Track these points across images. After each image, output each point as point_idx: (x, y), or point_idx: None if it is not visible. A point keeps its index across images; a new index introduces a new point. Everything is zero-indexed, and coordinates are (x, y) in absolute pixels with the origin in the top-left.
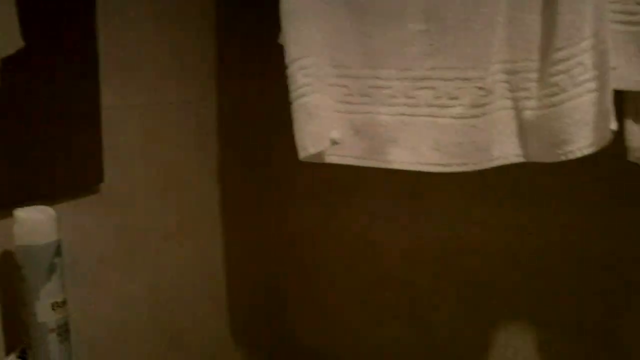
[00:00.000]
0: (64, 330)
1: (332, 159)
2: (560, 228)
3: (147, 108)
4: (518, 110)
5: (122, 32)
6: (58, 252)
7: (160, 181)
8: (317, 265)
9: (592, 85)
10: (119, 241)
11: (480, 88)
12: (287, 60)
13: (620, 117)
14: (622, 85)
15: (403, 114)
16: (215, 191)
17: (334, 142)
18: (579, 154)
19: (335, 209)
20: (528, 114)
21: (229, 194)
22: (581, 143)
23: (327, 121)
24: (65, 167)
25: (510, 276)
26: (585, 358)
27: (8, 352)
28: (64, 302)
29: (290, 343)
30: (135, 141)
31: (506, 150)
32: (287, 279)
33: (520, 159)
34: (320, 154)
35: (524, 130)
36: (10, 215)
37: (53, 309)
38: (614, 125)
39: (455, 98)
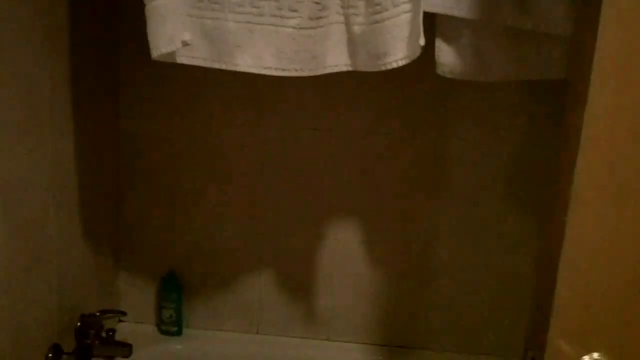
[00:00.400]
0: None
1: (183, 59)
2: (379, 134)
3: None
4: (348, 25)
5: None
6: None
7: (12, 78)
8: (161, 163)
9: (407, 6)
10: None
11: (316, 3)
12: None
13: (433, 37)
14: (433, 9)
15: (249, 22)
16: (66, 88)
17: (185, 44)
18: (395, 65)
19: (181, 112)
20: (356, 28)
21: (80, 92)
22: (398, 55)
23: (179, 24)
24: None
25: (335, 176)
26: (395, 242)
27: None
28: None
29: (130, 239)
30: None
31: (338, 59)
32: (132, 176)
33: (350, 68)
34: (172, 55)
35: (353, 42)
36: None
37: None
38: (422, 42)
39: (295, 10)
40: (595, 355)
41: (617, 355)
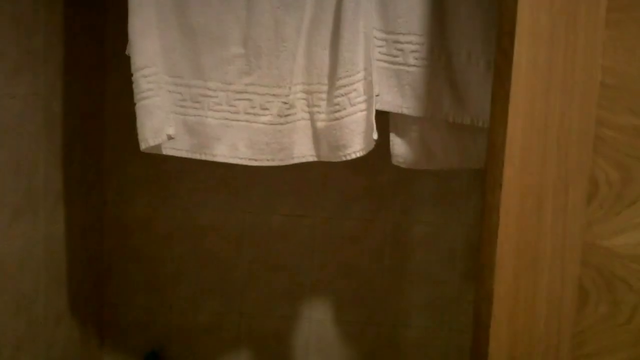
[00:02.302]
0: None
1: (168, 151)
2: (348, 218)
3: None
4: (313, 121)
5: None
6: None
7: (12, 165)
8: (144, 246)
9: (363, 106)
10: None
11: (284, 102)
12: (133, 68)
13: (387, 131)
14: (384, 107)
15: (226, 119)
16: (59, 176)
17: (170, 137)
18: (353, 156)
19: (163, 198)
20: (320, 124)
21: (70, 178)
22: (355, 147)
23: (165, 120)
24: None
25: (308, 257)
26: (366, 320)
27: None
28: None
29: (114, 317)
30: None
31: (304, 151)
32: (116, 257)
33: (315, 158)
34: (158, 147)
35: (317, 136)
36: None
37: None
38: (375, 136)
39: (266, 109)
40: None
41: None
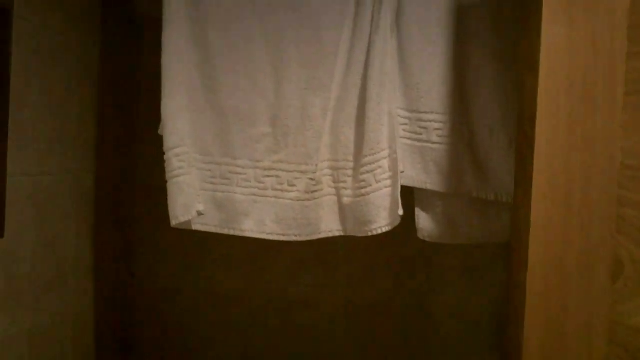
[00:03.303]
0: None
1: (198, 227)
2: (371, 288)
3: (36, 178)
4: (339, 197)
5: (20, 112)
6: None
7: (46, 238)
8: (170, 316)
9: (388, 182)
10: (7, 288)
11: (311, 179)
12: (165, 147)
13: (412, 204)
14: (409, 183)
15: (254, 195)
16: (89, 249)
17: (200, 214)
18: (379, 231)
19: (188, 267)
20: (346, 200)
21: (100, 251)
22: (381, 223)
23: (195, 196)
24: None
25: (331, 328)
26: None
27: None
28: None
29: None
30: (26, 205)
31: (330, 226)
32: (144, 329)
33: (341, 233)
34: (188, 222)
35: (343, 211)
36: None
37: None
38: (401, 212)
39: (294, 185)
40: None
41: None
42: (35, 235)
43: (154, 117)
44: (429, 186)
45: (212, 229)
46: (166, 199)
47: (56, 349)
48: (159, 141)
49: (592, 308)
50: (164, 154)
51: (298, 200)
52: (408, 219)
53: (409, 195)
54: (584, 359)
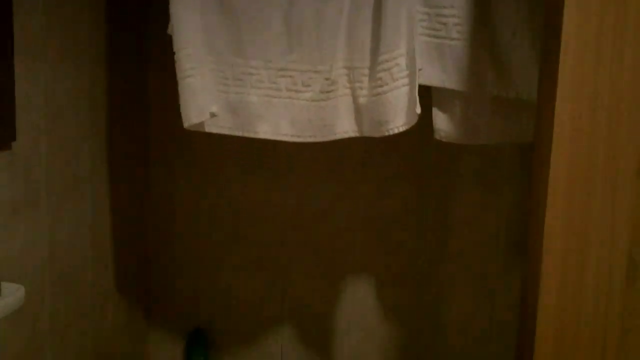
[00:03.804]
0: None
1: (211, 128)
2: (389, 197)
3: (48, 85)
4: (355, 97)
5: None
6: None
7: (60, 145)
8: (188, 228)
9: (405, 80)
10: (25, 192)
11: (327, 79)
12: (175, 47)
13: (430, 106)
14: (427, 82)
15: (268, 96)
16: (104, 158)
17: (213, 115)
18: (396, 131)
19: (204, 179)
20: (362, 100)
21: (116, 162)
22: (398, 122)
23: (208, 98)
24: None
25: (350, 238)
26: (408, 299)
27: None
28: None
29: (161, 297)
30: (39, 111)
31: (346, 127)
32: (162, 240)
33: (357, 134)
34: (201, 125)
35: (359, 112)
36: None
37: None
38: (418, 110)
39: (308, 85)
40: None
41: None
42: (49, 140)
43: (165, 24)
44: (447, 84)
45: (226, 131)
46: None
47: (76, 257)
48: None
49: (616, 202)
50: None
51: (313, 101)
52: (425, 126)
53: (426, 99)
54: (606, 252)
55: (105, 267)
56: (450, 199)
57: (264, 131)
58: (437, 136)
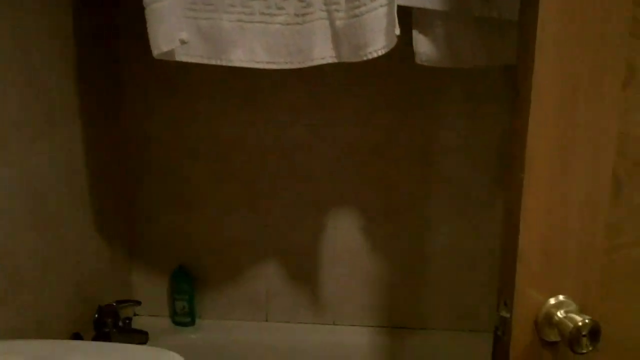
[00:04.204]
0: None
1: (182, 57)
2: (372, 127)
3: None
4: (331, 20)
5: None
6: None
7: (30, 80)
8: (169, 162)
9: (384, 1)
10: None
11: (301, 1)
12: None
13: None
14: (406, 2)
15: (240, 21)
16: (75, 97)
17: (183, 42)
18: (375, 54)
19: (182, 113)
20: (339, 23)
21: (85, 97)
22: (377, 46)
23: (176, 24)
24: None
25: (332, 168)
26: (393, 231)
27: None
28: None
29: (143, 234)
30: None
31: (323, 52)
32: (143, 175)
33: (335, 60)
34: (171, 53)
35: (336, 36)
36: None
37: None
38: (397, 31)
39: (282, 8)
40: (561, 297)
41: (580, 295)
42: (20, 76)
43: None
44: (427, 4)
45: (198, 59)
46: None
47: (51, 196)
48: None
49: (601, 119)
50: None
51: (288, 25)
52: (407, 51)
53: (407, 21)
54: (590, 171)
55: (83, 205)
56: (436, 127)
57: (238, 58)
58: (418, 60)
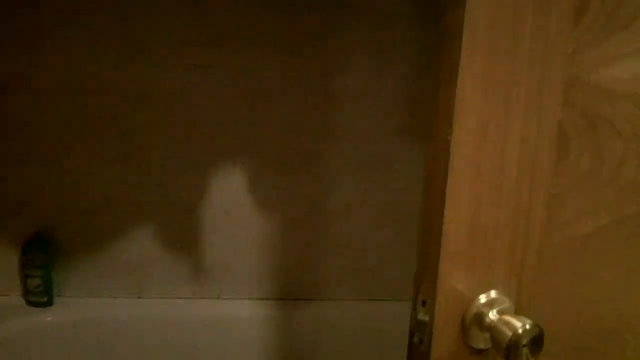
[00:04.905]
0: None
1: None
2: (268, 69)
3: None
4: None
5: None
6: None
7: None
8: (23, 111)
9: None
10: None
11: None
12: None
13: None
14: None
15: None
16: None
17: None
18: None
19: (39, 48)
20: None
21: None
22: None
23: None
24: None
25: (221, 118)
26: (289, 184)
27: None
28: None
29: None
30: None
31: None
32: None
33: None
34: None
35: None
36: None
37: None
38: None
39: None
40: (493, 293)
41: (516, 289)
42: None
43: None
44: None
45: None
46: None
47: None
48: None
49: (547, 59)
50: None
51: None
52: None
53: None
54: (533, 127)
55: None
56: (338, 70)
57: None
58: None
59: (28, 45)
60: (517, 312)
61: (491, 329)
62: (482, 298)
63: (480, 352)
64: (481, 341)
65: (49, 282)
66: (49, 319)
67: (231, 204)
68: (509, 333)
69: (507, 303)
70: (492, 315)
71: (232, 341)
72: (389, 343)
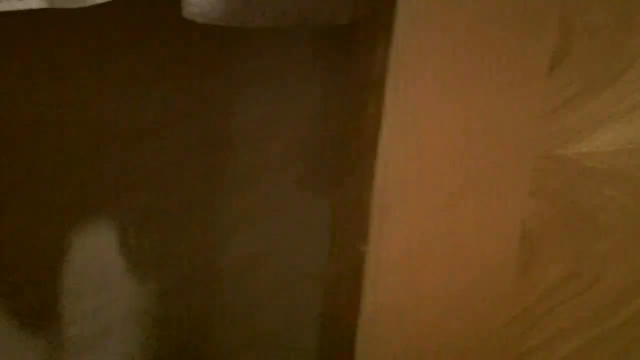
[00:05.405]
0: None
1: None
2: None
3: None
4: None
5: None
6: None
7: None
8: None
9: None
10: None
11: None
12: None
13: None
14: None
15: None
16: None
17: None
18: (91, 3)
19: None
20: None
21: None
22: None
23: None
24: None
25: (84, 163)
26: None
27: None
28: None
29: None
30: None
31: None
32: None
33: (43, 5)
34: None
35: None
36: None
37: None
38: None
39: None
40: None
41: None
42: None
43: None
44: None
45: None
46: None
47: None
48: None
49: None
50: None
51: None
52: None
53: None
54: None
55: None
56: (228, 107)
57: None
58: (188, 15)
59: None
60: None
61: None
62: None
63: None
64: None
65: None
66: None
67: (95, 267)
68: None
69: None
70: None
71: None
72: None
